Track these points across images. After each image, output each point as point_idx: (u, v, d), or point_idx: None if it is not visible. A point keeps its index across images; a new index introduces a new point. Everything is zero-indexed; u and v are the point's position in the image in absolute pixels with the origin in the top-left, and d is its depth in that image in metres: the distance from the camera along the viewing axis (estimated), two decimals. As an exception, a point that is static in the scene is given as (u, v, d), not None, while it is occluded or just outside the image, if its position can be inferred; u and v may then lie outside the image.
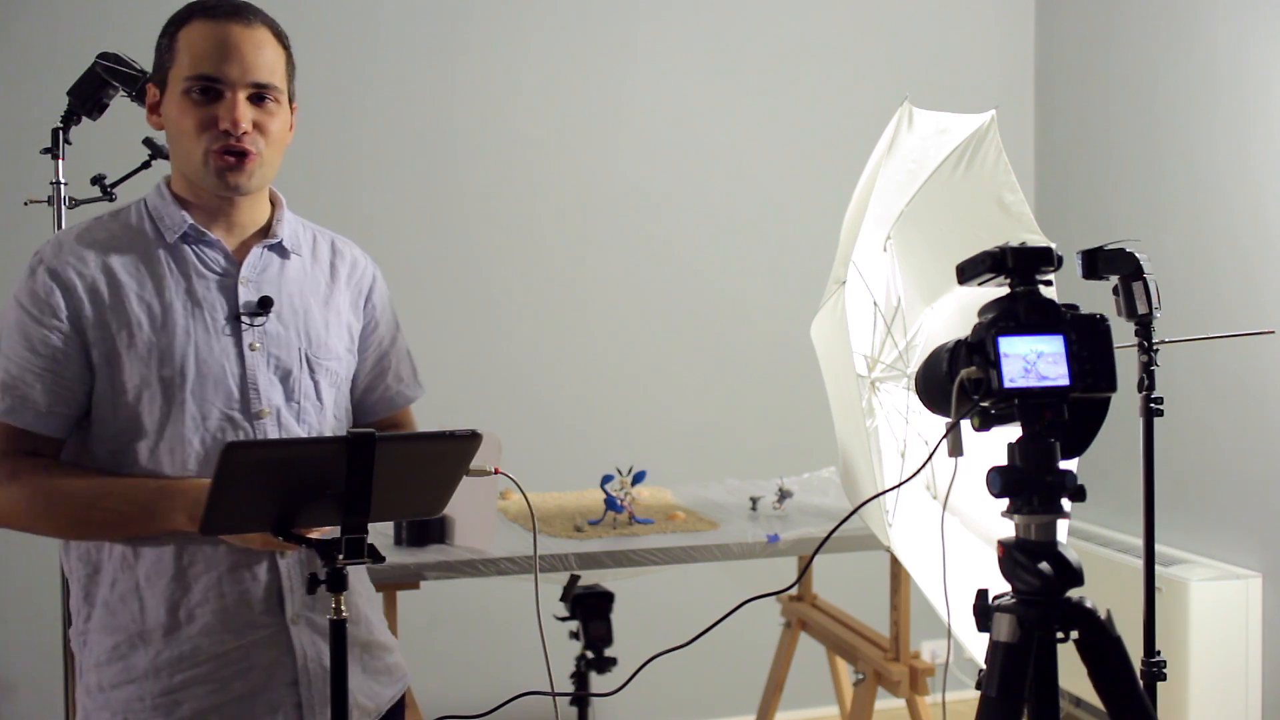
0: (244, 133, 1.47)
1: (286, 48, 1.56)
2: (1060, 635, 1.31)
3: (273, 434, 1.51)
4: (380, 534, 2.39)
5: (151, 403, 1.46)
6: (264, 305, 1.53)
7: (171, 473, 1.47)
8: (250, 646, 1.49)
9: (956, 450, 1.31)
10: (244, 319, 1.52)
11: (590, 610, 2.58)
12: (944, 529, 1.49)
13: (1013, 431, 1.31)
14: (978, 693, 1.30)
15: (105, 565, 1.50)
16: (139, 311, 1.47)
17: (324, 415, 1.58)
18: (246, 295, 1.53)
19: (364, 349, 1.69)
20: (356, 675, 1.59)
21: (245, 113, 1.47)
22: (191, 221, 1.52)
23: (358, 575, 1.66)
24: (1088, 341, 1.30)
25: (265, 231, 1.59)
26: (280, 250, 1.59)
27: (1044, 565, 1.28)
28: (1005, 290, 1.33)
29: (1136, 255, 2.09)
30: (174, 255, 1.52)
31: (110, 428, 1.47)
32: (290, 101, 1.58)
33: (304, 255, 1.63)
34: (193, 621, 1.47)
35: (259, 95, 1.49)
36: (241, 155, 1.48)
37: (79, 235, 1.51)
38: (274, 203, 1.63)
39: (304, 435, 1.55)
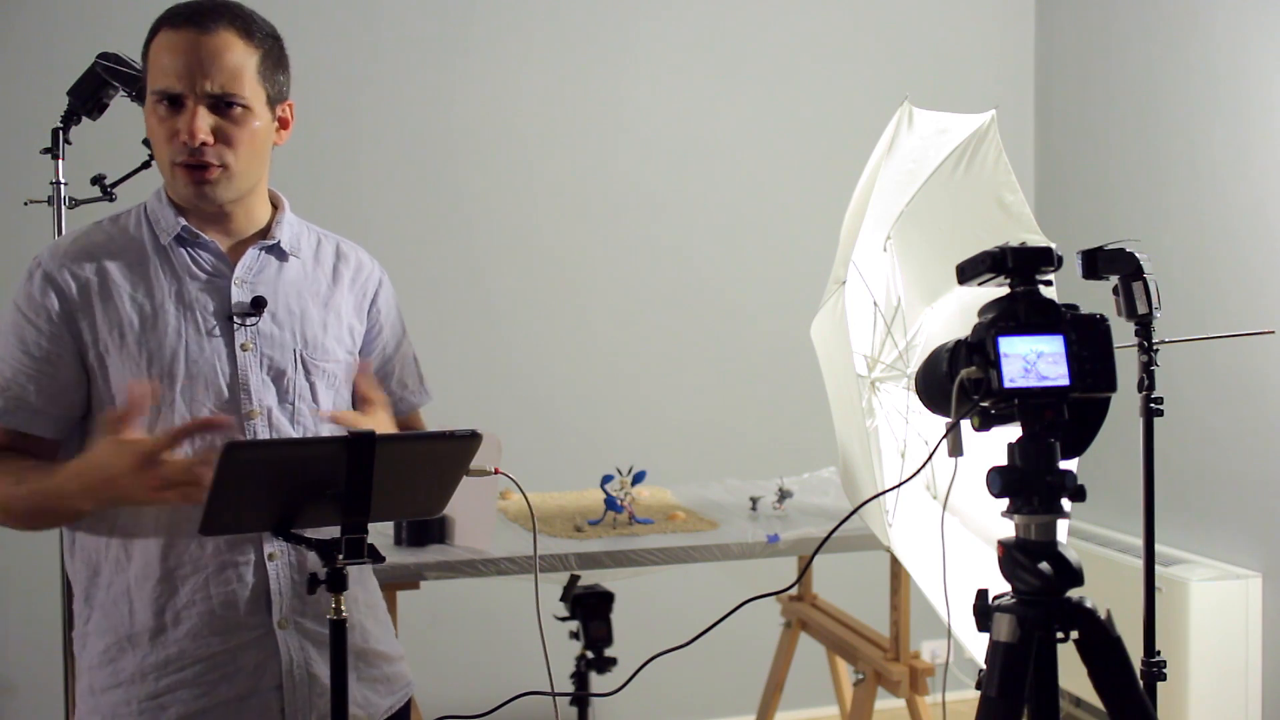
0: (202, 143, 1.44)
1: (261, 46, 1.49)
2: (1060, 635, 1.32)
3: (263, 435, 1.50)
4: (380, 534, 2.39)
5: None
6: (257, 306, 1.52)
7: None
8: (236, 650, 1.48)
9: (956, 450, 1.31)
10: (236, 319, 1.51)
11: (590, 610, 2.58)
12: (944, 529, 1.49)
13: (1013, 431, 1.31)
14: (978, 693, 1.30)
15: (103, 568, 1.49)
16: (131, 312, 1.47)
17: (320, 417, 1.57)
18: (239, 296, 1.52)
19: (367, 353, 1.67)
20: (350, 682, 1.57)
21: (203, 124, 1.43)
22: (185, 224, 1.51)
23: (358, 584, 1.65)
24: (1088, 341, 1.30)
25: (264, 233, 1.58)
26: (278, 252, 1.58)
27: (1044, 565, 1.29)
28: (1005, 290, 1.33)
29: (1136, 255, 2.09)
30: (167, 257, 1.51)
31: (107, 429, 1.47)
32: (275, 103, 1.52)
33: (304, 257, 1.61)
34: (179, 624, 1.47)
35: (223, 102, 1.45)
36: (204, 168, 1.45)
37: (76, 239, 1.51)
38: (275, 205, 1.61)
39: (298, 436, 1.54)
